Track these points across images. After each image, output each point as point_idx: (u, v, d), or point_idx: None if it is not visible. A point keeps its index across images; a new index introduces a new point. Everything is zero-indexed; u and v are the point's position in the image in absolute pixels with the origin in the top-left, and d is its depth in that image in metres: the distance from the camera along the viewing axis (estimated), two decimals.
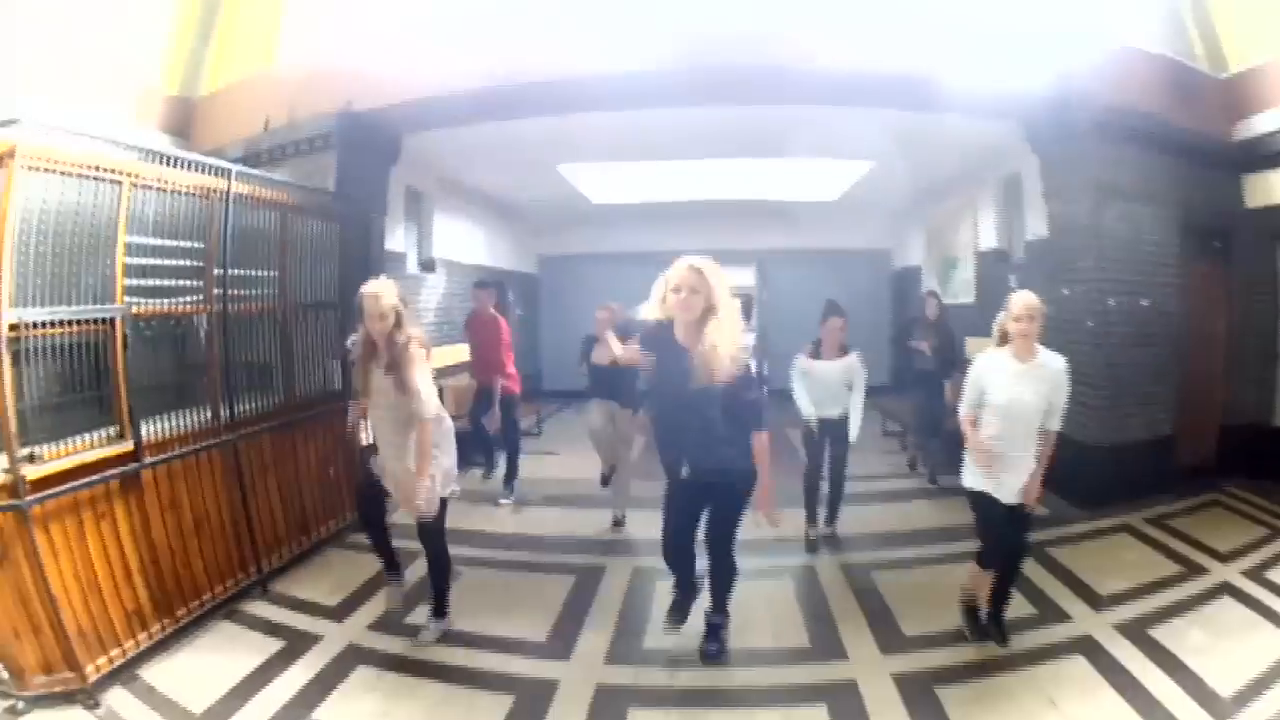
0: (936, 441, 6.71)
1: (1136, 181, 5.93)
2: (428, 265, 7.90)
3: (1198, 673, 3.47)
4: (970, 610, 3.89)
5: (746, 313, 20.99)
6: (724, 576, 3.74)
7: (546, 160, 8.09)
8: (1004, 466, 3.55)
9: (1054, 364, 3.51)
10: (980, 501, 3.65)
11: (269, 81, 6.48)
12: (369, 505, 4.03)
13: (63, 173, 3.42)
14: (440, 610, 4.10)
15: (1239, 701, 3.24)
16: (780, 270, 12.10)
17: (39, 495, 3.27)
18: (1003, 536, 3.66)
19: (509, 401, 6.58)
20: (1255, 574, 4.60)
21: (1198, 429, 6.49)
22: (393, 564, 4.20)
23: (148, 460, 3.79)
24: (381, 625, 4.22)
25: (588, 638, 4.12)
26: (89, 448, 3.57)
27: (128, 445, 3.72)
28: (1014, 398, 3.45)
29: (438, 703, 3.50)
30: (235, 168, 4.53)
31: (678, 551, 3.72)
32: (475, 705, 3.47)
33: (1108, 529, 5.52)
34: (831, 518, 5.50)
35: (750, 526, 3.62)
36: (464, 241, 9.25)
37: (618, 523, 5.77)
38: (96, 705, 3.43)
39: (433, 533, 3.92)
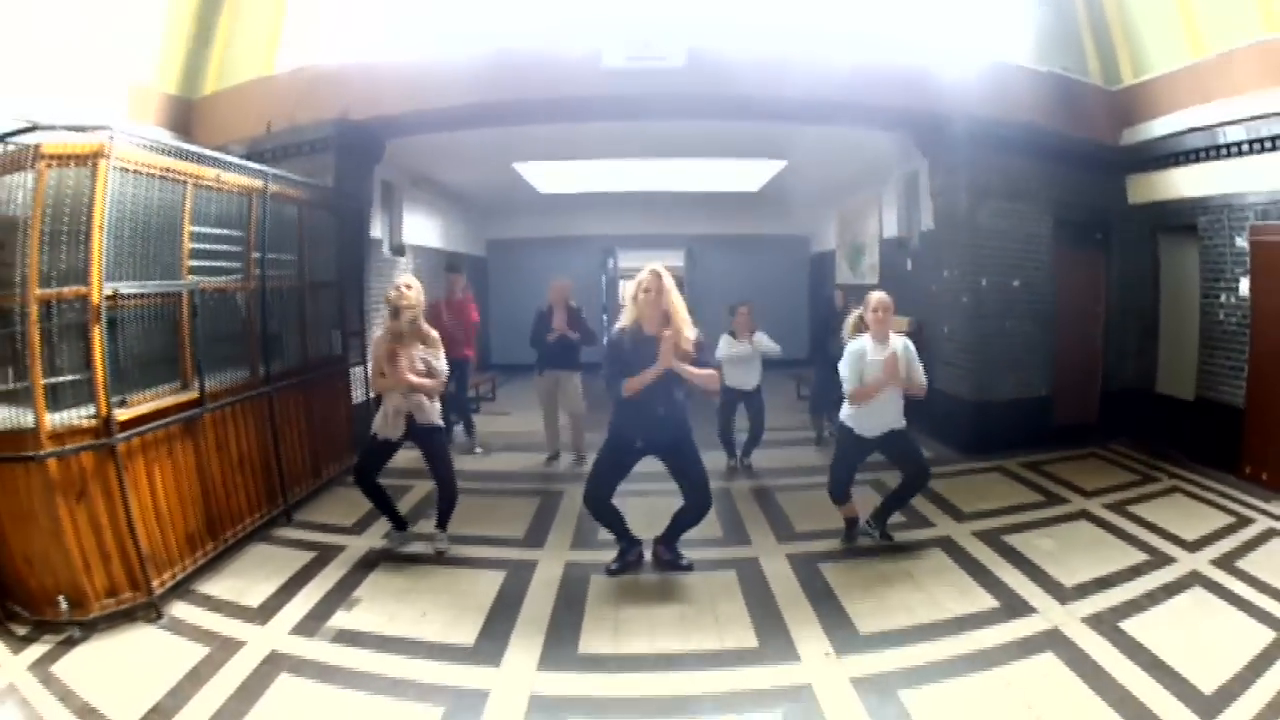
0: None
1: (1009, 182, 6.87)
2: (398, 250, 8.69)
3: (1042, 567, 4.37)
4: (850, 523, 4.91)
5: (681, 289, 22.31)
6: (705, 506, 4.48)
7: (502, 158, 8.94)
8: (874, 413, 4.60)
9: (897, 343, 4.59)
10: (845, 436, 4.74)
11: (270, 87, 7.08)
12: (369, 465, 4.73)
13: (144, 174, 4.09)
14: (443, 523, 4.91)
15: (1080, 592, 4.00)
16: (708, 254, 12.97)
17: (125, 434, 3.85)
18: (851, 469, 4.77)
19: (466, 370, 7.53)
20: (1117, 507, 5.36)
21: (1077, 394, 7.33)
22: (399, 521, 4.95)
23: (208, 406, 4.51)
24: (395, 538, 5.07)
25: (555, 534, 5.24)
26: (165, 395, 4.28)
27: (194, 394, 4.45)
28: (874, 365, 4.52)
29: (448, 582, 4.46)
30: (271, 170, 5.30)
31: (608, 503, 4.45)
32: (479, 580, 4.45)
33: (982, 469, 6.45)
34: (747, 454, 6.79)
35: None
36: (426, 228, 10.03)
37: (553, 458, 7.01)
38: (160, 616, 3.94)
39: (441, 458, 4.78)
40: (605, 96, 6.44)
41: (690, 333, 4.17)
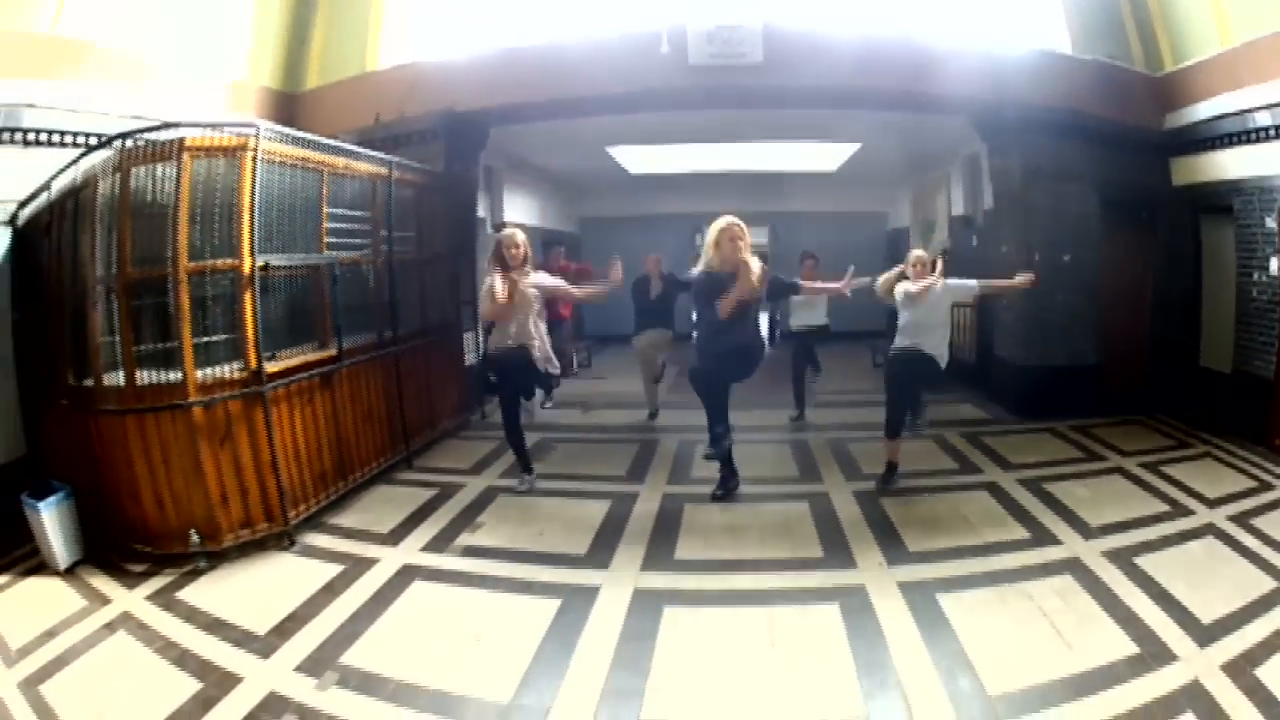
0: None
1: (1059, 164, 6.96)
2: (500, 228, 9.18)
3: (1074, 510, 4.63)
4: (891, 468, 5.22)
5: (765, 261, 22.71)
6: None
7: (595, 143, 9.35)
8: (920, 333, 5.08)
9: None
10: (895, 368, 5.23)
11: (375, 82, 7.57)
12: (509, 407, 5.19)
13: (285, 163, 4.53)
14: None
15: (1103, 531, 4.27)
16: (790, 230, 13.05)
17: (273, 384, 4.31)
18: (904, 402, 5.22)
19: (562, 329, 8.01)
20: (1151, 466, 5.51)
21: (1124, 364, 7.34)
22: (528, 465, 5.34)
23: (344, 363, 4.99)
24: (509, 474, 5.57)
25: (654, 473, 5.69)
26: (307, 352, 4.77)
27: (332, 352, 4.92)
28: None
29: (561, 509, 4.94)
30: (394, 159, 5.74)
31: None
32: (587, 507, 4.91)
33: (1033, 429, 6.62)
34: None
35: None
36: (524, 208, 10.54)
37: (653, 415, 7.38)
38: (293, 544, 4.29)
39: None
40: (692, 89, 6.82)
41: (757, 267, 4.53)
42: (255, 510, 4.30)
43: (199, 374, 4.07)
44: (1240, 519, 4.49)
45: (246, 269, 4.19)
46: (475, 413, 7.38)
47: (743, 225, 4.61)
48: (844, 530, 4.49)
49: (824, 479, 5.53)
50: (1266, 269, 6.18)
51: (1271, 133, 6.04)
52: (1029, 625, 3.29)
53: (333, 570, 4.05)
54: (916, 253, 5.40)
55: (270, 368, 4.33)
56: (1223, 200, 6.68)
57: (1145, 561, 3.88)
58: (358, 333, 5.34)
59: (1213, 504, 4.76)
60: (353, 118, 7.37)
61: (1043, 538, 4.25)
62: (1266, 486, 5.14)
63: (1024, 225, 7.13)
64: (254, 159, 4.23)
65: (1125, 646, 3.09)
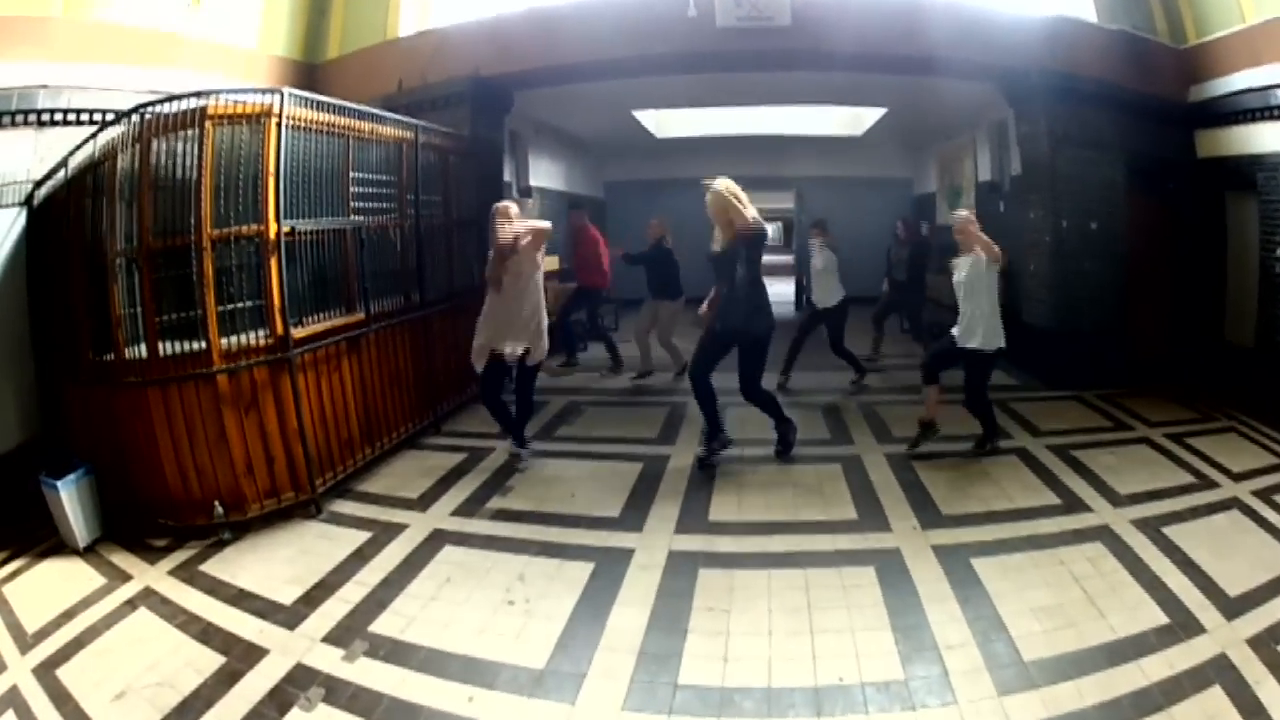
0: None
1: (1086, 132, 6.73)
2: (525, 192, 8.95)
3: (1102, 477, 4.57)
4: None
5: (786, 232, 21.56)
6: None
7: (620, 106, 9.13)
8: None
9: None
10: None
11: (397, 49, 7.41)
12: (490, 383, 4.92)
13: (310, 129, 4.42)
14: (521, 441, 5.06)
15: (1132, 500, 4.22)
16: (816, 194, 12.70)
17: (299, 350, 4.20)
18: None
19: (598, 296, 7.97)
20: (1177, 437, 5.44)
21: (1150, 334, 7.19)
22: (520, 438, 5.06)
23: (372, 327, 4.89)
24: (541, 437, 5.56)
25: (684, 435, 5.61)
26: (335, 317, 4.67)
27: (360, 315, 4.83)
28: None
29: (593, 471, 4.88)
30: (420, 123, 5.59)
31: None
32: (617, 471, 4.83)
33: (1062, 397, 6.54)
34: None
35: None
36: (549, 172, 10.33)
37: (647, 374, 7.30)
38: (320, 512, 4.17)
39: (531, 382, 5.00)
40: (719, 52, 6.60)
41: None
42: (282, 479, 4.22)
43: (223, 342, 4.00)
44: (1264, 494, 4.39)
45: (272, 234, 4.09)
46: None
47: (718, 186, 4.55)
48: (877, 493, 4.43)
49: (855, 440, 5.46)
50: None
51: None
52: (1062, 591, 3.24)
53: (361, 537, 3.99)
54: (956, 217, 5.14)
55: (296, 333, 4.25)
56: (1246, 174, 6.51)
57: (1172, 531, 3.82)
58: (385, 297, 5.25)
59: (1237, 478, 4.66)
60: (376, 86, 7.20)
61: (1073, 504, 4.18)
62: None
63: (1052, 192, 6.89)
64: (278, 124, 4.12)
65: (1155, 616, 3.04)
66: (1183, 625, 2.96)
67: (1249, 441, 5.44)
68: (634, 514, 4.19)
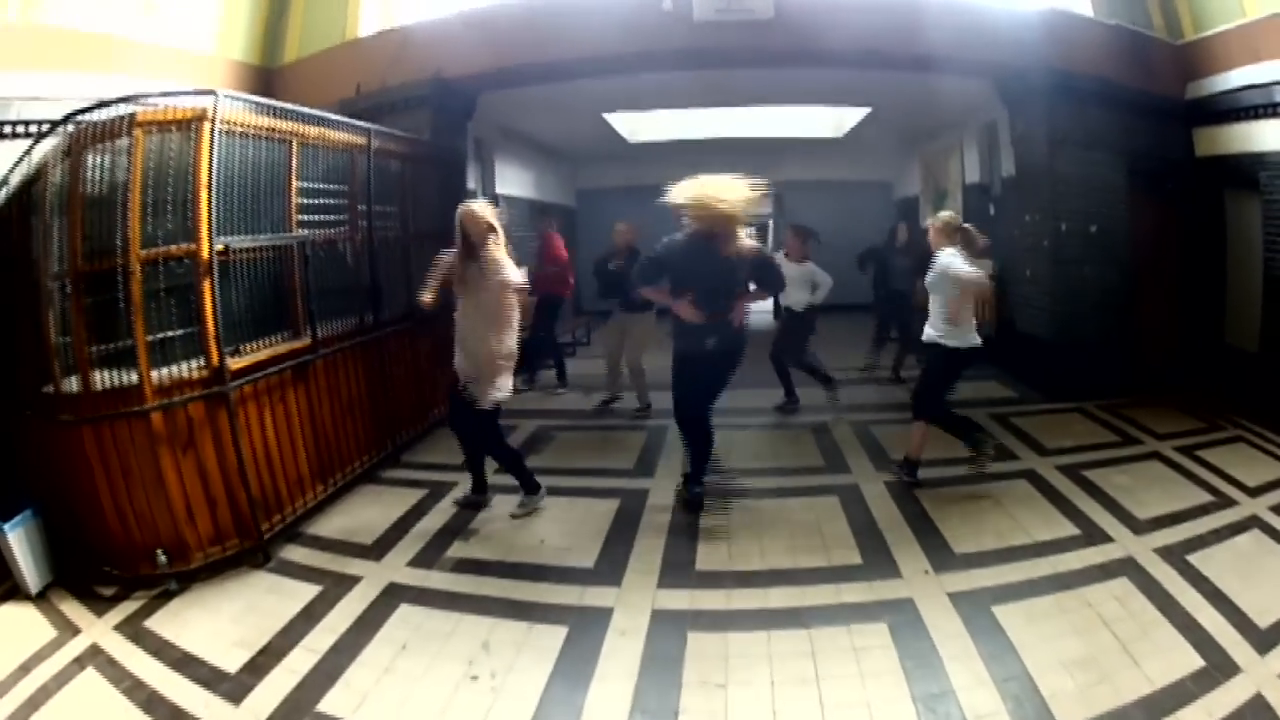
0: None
1: (1085, 132, 6.52)
2: (492, 201, 8.68)
3: (1118, 500, 4.35)
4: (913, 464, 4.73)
5: (763, 237, 21.40)
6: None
7: (591, 110, 8.77)
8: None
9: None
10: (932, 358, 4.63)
11: (357, 51, 7.00)
12: (459, 414, 4.28)
13: (248, 134, 4.00)
14: (529, 487, 4.49)
15: (1154, 524, 4.04)
16: (794, 199, 12.48)
17: (238, 381, 3.77)
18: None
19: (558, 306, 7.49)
20: (1186, 450, 5.25)
21: (1150, 340, 7.01)
22: (480, 485, 4.56)
23: (320, 352, 4.46)
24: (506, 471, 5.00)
25: (663, 465, 5.23)
26: (278, 343, 4.25)
27: (306, 340, 4.40)
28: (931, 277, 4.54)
29: (564, 511, 4.46)
30: (373, 127, 5.19)
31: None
32: (591, 511, 4.42)
33: (1063, 409, 6.30)
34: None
35: None
36: (517, 180, 9.90)
37: (614, 399, 6.73)
38: (267, 560, 3.81)
39: (481, 427, 4.23)
40: (697, 49, 6.29)
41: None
42: (225, 524, 3.86)
43: (156, 375, 3.60)
44: None
45: (204, 254, 3.68)
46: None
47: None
48: (881, 530, 4.10)
49: (851, 468, 5.13)
50: None
51: None
52: (1092, 638, 2.99)
53: (311, 592, 3.60)
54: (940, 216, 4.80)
55: (234, 363, 3.85)
56: (1248, 173, 6.34)
57: (1197, 559, 3.65)
58: (336, 318, 4.84)
59: (1253, 493, 4.52)
60: (335, 90, 6.81)
61: (1093, 534, 3.94)
62: None
63: (1050, 194, 6.65)
64: (211, 130, 3.72)
65: (1190, 660, 2.85)
66: (1218, 666, 2.80)
67: (1259, 452, 5.31)
68: (611, 563, 3.80)
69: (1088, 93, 6.50)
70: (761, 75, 7.24)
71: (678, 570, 3.71)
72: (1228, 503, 4.39)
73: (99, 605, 3.56)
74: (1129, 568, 3.57)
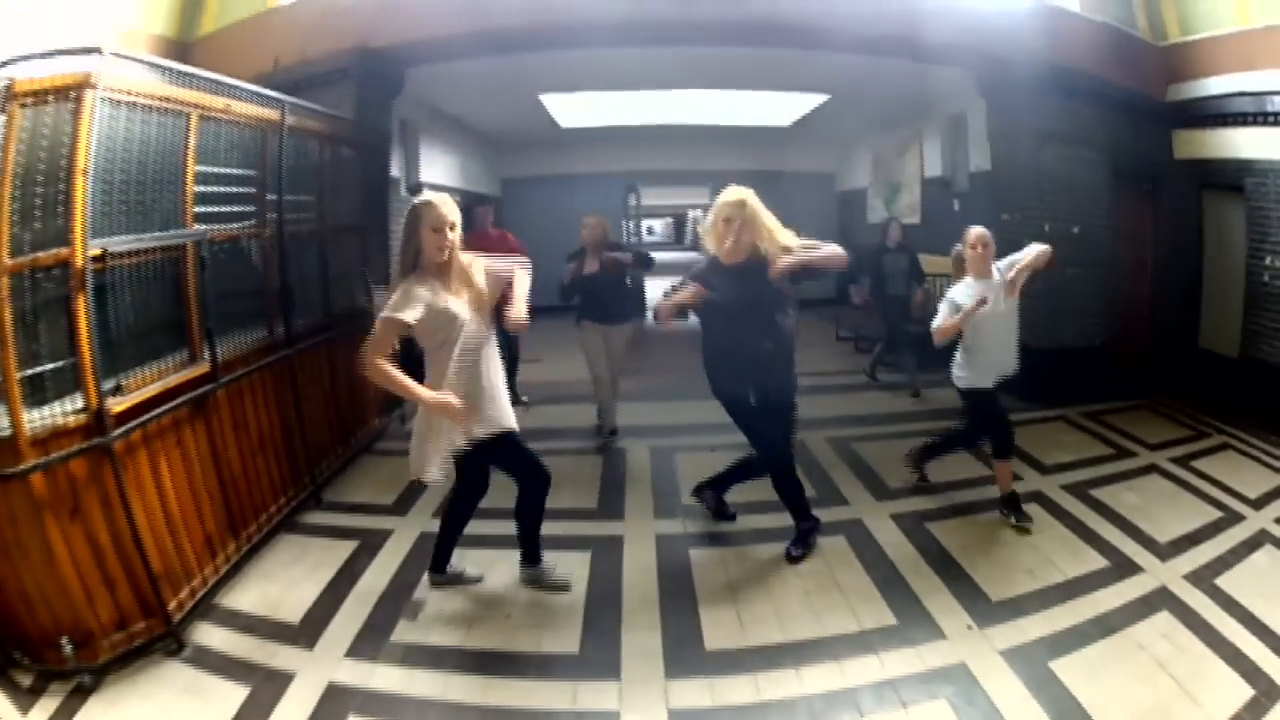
0: (910, 354, 6.90)
1: (1071, 129, 6.38)
2: (415, 189, 7.69)
3: (1134, 522, 4.21)
4: (1012, 499, 4.22)
5: (678, 229, 20.57)
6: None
7: (524, 90, 8.04)
8: (990, 353, 4.10)
9: (1002, 266, 4.10)
10: (984, 399, 4.15)
11: (277, 20, 6.10)
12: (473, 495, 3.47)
13: (140, 105, 3.18)
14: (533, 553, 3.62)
15: (1175, 547, 3.93)
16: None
17: (122, 430, 2.93)
18: (1004, 419, 4.21)
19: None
20: (1181, 461, 5.21)
21: (1128, 344, 6.98)
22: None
23: (222, 380, 3.64)
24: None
25: (633, 502, 4.60)
26: (170, 372, 3.38)
27: (204, 367, 3.57)
28: (989, 309, 3.90)
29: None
30: (288, 99, 4.35)
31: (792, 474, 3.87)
32: (563, 564, 3.70)
33: (1046, 418, 6.13)
34: None
35: None
36: (442, 167, 9.05)
37: (613, 432, 5.63)
38: (182, 647, 3.11)
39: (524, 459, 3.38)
40: (639, 21, 5.65)
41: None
42: (129, 606, 3.07)
43: (30, 422, 2.76)
44: None
45: (79, 260, 2.83)
46: (395, 415, 6.12)
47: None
48: (904, 576, 3.67)
49: (848, 499, 4.67)
50: None
51: None
52: (1154, 684, 2.82)
53: (236, 695, 2.83)
54: (977, 230, 4.13)
55: (116, 405, 3.00)
56: (1232, 178, 6.39)
57: (1225, 583, 3.57)
58: (240, 332, 3.99)
59: (1256, 505, 4.54)
60: (251, 65, 5.83)
61: (1121, 564, 3.78)
62: None
63: (1033, 192, 6.46)
64: (94, 101, 2.89)
65: (1242, 690, 2.78)
66: (1266, 693, 2.75)
67: (1247, 459, 5.37)
68: (600, 646, 3.15)
69: (1073, 88, 6.34)
70: (712, 56, 6.68)
71: (685, 651, 3.10)
72: (1235, 518, 4.34)
73: (21, 699, 2.84)
74: (1166, 600, 3.42)
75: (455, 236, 2.98)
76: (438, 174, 8.79)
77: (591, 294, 5.23)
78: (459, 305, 3.01)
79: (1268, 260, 6.03)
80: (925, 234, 8.26)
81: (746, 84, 8.07)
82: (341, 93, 5.68)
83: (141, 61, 3.26)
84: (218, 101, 3.72)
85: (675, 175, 12.09)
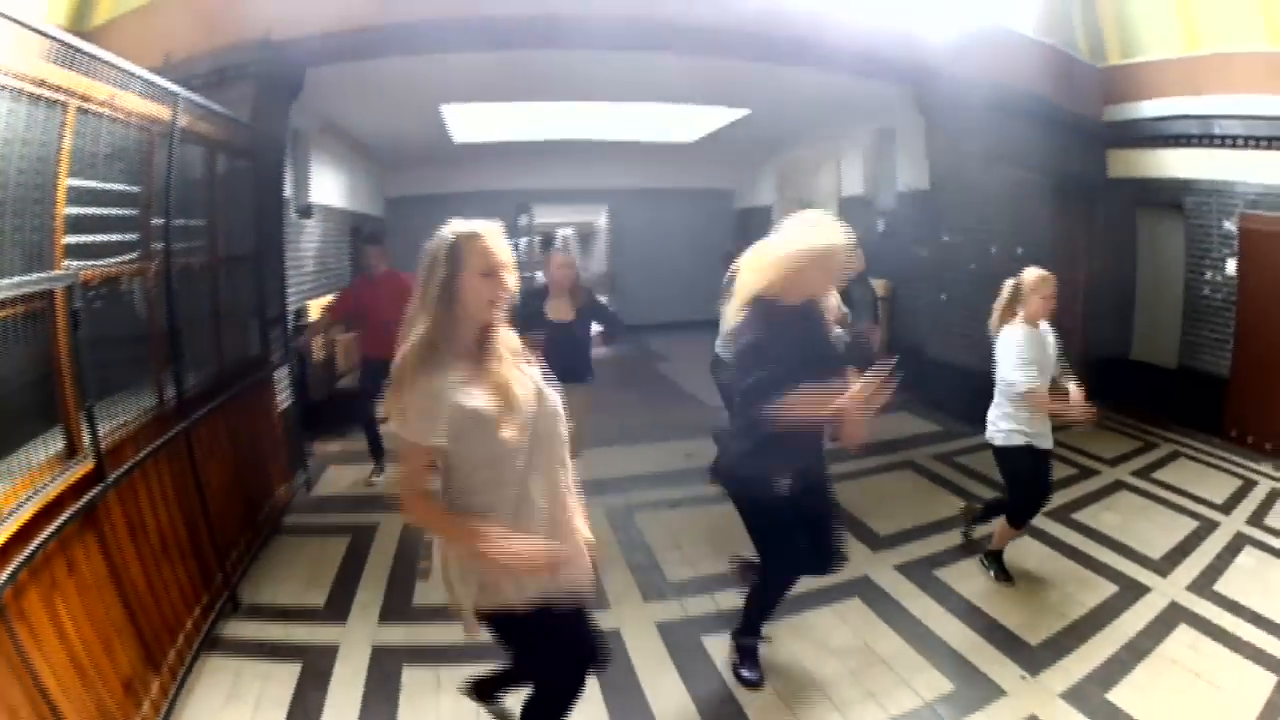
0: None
1: (1013, 149, 6.35)
2: (304, 211, 6.53)
3: (1123, 542, 4.26)
4: (999, 555, 3.90)
5: (589, 249, 19.37)
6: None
7: (419, 99, 7.17)
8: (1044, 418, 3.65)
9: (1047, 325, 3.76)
10: (1024, 460, 3.64)
11: (173, 8, 4.89)
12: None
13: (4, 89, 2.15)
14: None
15: (1170, 561, 4.06)
16: (631, 210, 11.60)
17: (7, 575, 2.02)
18: (1038, 487, 3.71)
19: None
20: (1142, 474, 5.36)
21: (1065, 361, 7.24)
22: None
23: (111, 478, 2.61)
24: (397, 613, 3.56)
25: (614, 583, 3.87)
26: (41, 475, 2.32)
27: (87, 464, 2.52)
28: (1047, 359, 3.69)
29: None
30: (183, 92, 3.26)
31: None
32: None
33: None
34: None
35: None
36: (332, 185, 7.86)
37: None
38: None
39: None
40: (547, 18, 5.01)
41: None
42: None
43: None
44: (1256, 521, 4.63)
45: None
46: (300, 481, 5.09)
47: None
48: (940, 637, 3.40)
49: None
50: (1221, 269, 6.24)
51: (1240, 142, 6.03)
52: (1199, 694, 2.96)
53: None
54: (1041, 273, 3.67)
55: None
56: (1169, 197, 6.62)
57: (1222, 587, 3.78)
58: (124, 405, 2.97)
59: (1224, 509, 4.81)
60: (142, 60, 4.61)
61: (1129, 586, 3.82)
62: (1250, 483, 5.31)
63: (974, 212, 6.37)
64: None
65: (1268, 679, 3.02)
66: None
67: (1199, 464, 5.67)
68: None
69: (1015, 108, 6.31)
70: (627, 63, 6.12)
71: None
72: (1211, 524, 4.54)
73: None
74: (1180, 613, 3.54)
75: (514, 284, 1.94)
76: (329, 194, 7.64)
77: (559, 346, 3.86)
78: (521, 392, 1.90)
79: (1208, 275, 6.28)
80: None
81: (667, 96, 7.58)
82: (240, 93, 4.58)
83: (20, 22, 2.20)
84: (102, 90, 2.67)
85: (573, 194, 11.47)
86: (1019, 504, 3.76)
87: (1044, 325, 3.74)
